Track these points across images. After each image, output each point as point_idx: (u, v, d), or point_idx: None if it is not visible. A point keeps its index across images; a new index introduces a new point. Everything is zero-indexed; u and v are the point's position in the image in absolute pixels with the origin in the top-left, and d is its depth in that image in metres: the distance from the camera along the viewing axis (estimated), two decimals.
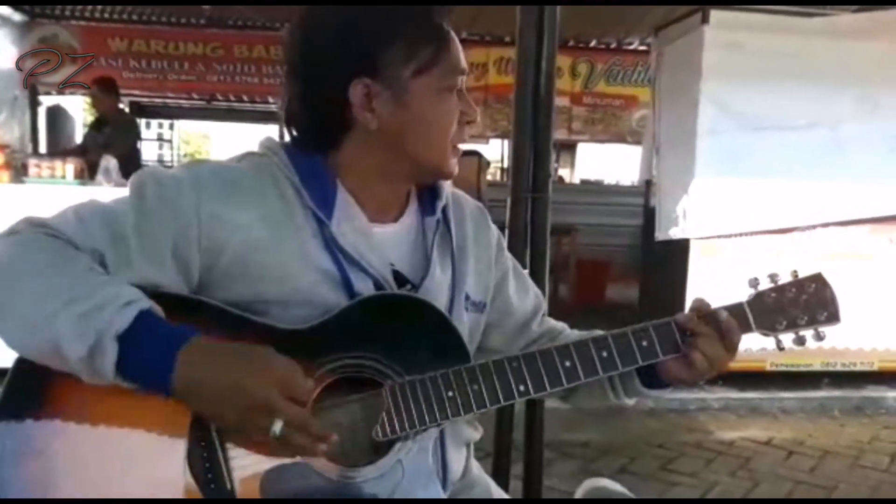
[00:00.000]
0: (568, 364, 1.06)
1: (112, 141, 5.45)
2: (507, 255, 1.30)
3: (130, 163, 5.08)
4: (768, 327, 1.13)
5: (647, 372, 1.15)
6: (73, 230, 0.95)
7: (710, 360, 1.09)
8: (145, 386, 0.91)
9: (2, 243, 0.95)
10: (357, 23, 1.04)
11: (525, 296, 1.30)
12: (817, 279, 1.15)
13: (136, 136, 6.25)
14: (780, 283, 1.14)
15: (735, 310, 1.11)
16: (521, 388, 1.04)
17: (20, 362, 0.95)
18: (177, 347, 0.90)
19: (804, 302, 1.13)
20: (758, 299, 1.13)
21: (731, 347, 1.10)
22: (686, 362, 1.09)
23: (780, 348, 1.15)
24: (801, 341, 1.14)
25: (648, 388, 1.17)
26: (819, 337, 1.14)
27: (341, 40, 1.04)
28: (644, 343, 1.08)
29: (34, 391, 0.95)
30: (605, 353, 1.07)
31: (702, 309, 1.11)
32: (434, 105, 1.06)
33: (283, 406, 0.90)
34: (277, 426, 0.89)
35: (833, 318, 1.13)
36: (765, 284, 1.14)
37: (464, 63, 1.08)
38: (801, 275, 1.15)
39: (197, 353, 0.90)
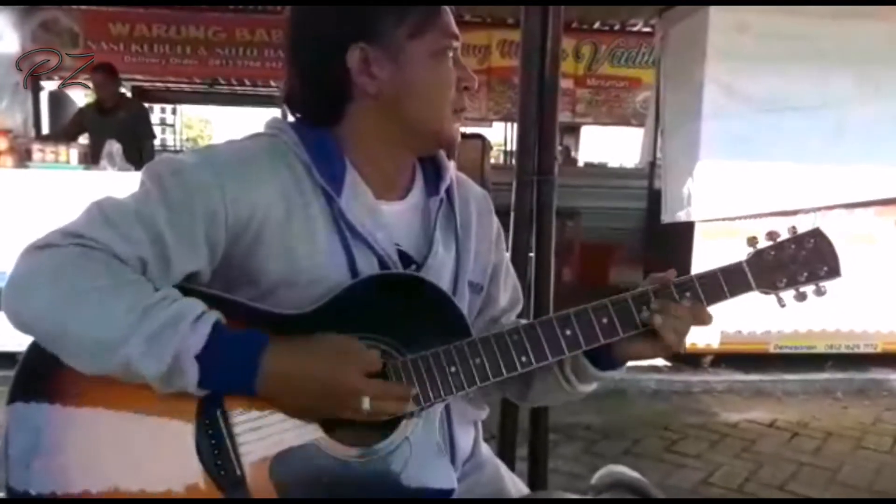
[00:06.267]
0: (569, 332, 1.05)
1: (137, 128, 5.51)
2: (504, 248, 1.31)
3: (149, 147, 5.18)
4: (768, 286, 1.10)
5: (599, 355, 1.11)
6: (111, 238, 0.93)
7: (678, 334, 1.05)
8: (229, 393, 0.96)
9: (41, 258, 0.92)
10: None
11: (506, 291, 1.30)
12: (816, 234, 1.12)
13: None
14: (778, 240, 1.11)
15: (733, 270, 1.09)
16: (524, 359, 1.04)
17: (32, 348, 0.95)
18: (256, 355, 0.93)
19: (804, 258, 1.10)
20: (756, 258, 1.10)
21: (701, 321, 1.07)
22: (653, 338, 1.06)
23: (782, 305, 1.12)
24: (802, 297, 1.11)
25: (603, 371, 1.13)
26: (820, 292, 1.11)
27: (333, 9, 1.06)
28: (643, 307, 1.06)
29: (44, 377, 0.95)
30: (605, 320, 1.06)
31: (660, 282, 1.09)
32: (431, 68, 1.07)
33: (366, 385, 0.95)
34: (366, 403, 0.95)
35: (833, 272, 1.10)
36: (763, 243, 1.11)
37: (455, 28, 1.09)
38: (800, 231, 1.12)
39: (274, 358, 0.93)
